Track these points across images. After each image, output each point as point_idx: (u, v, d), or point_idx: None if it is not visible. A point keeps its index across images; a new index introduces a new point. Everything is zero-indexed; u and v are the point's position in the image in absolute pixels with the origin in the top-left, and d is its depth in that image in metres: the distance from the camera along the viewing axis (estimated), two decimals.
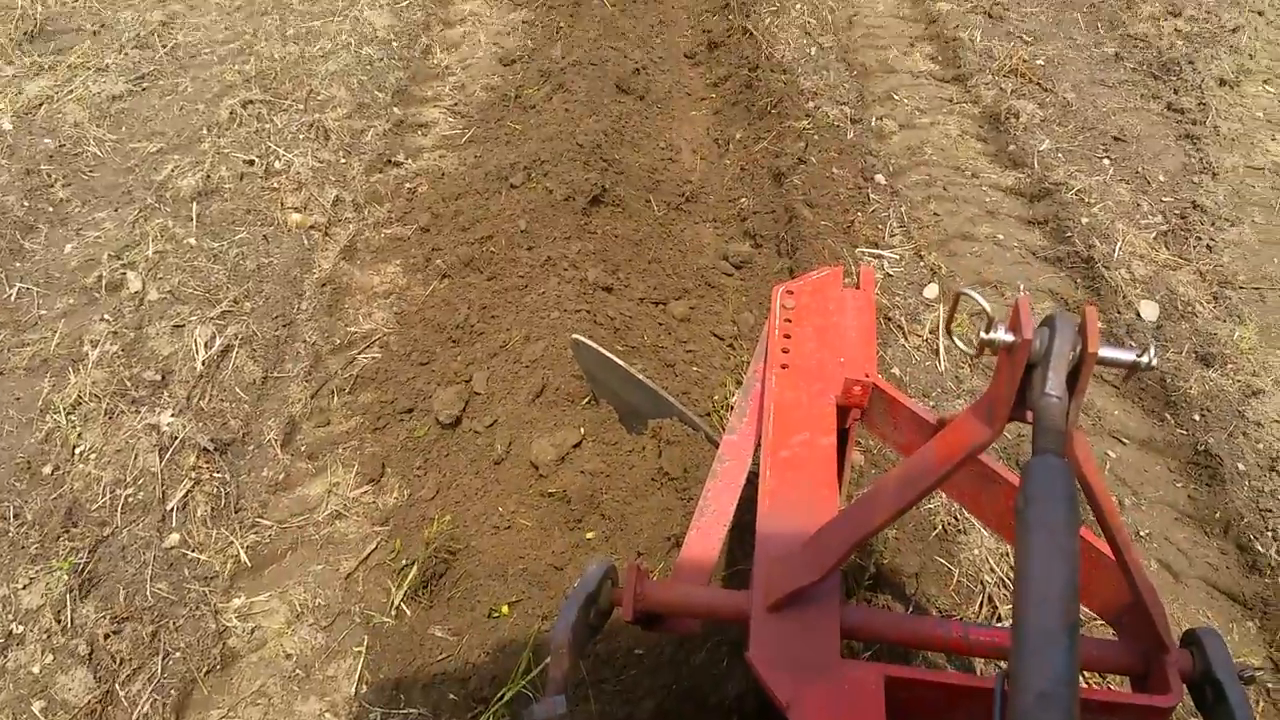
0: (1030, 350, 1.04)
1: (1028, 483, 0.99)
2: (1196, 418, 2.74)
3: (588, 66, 4.13)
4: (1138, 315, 3.10)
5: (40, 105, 3.99)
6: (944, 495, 2.35)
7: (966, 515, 2.44)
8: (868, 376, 1.72)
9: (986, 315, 1.09)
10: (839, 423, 1.72)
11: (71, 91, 4.08)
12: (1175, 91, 4.25)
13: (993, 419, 1.11)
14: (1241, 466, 2.59)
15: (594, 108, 3.81)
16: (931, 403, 2.85)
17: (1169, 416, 2.79)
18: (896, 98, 4.30)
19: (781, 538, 1.47)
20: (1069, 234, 3.44)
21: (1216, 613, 2.30)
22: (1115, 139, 3.98)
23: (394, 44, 4.56)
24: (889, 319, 3.11)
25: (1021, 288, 3.27)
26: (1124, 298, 3.15)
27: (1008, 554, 2.35)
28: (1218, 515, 2.51)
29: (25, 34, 4.48)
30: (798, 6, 4.85)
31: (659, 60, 4.56)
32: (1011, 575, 2.27)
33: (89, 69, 4.25)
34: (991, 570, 2.32)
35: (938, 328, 1.24)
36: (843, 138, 3.84)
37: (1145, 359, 1.06)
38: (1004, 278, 3.32)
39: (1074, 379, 1.05)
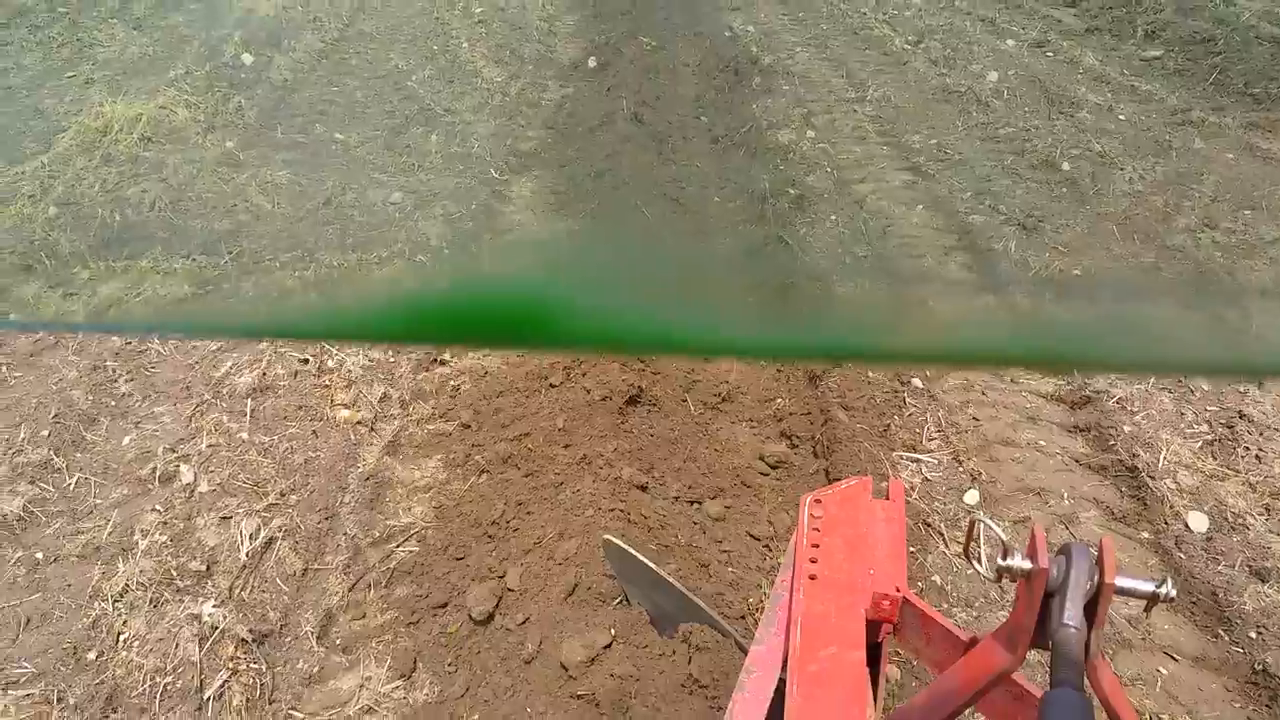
0: (1047, 579, 1.12)
1: (1044, 718, 1.03)
2: (1252, 635, 2.84)
3: None
4: (1186, 527, 3.26)
5: (110, 306, 4.55)
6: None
7: None
8: (898, 590, 1.79)
9: (1002, 543, 1.18)
10: (869, 637, 1.86)
11: (140, 294, 4.65)
12: (1216, 302, 4.59)
13: (1014, 646, 1.19)
14: None
15: None
16: (975, 612, 3.00)
17: (1223, 633, 2.89)
18: (931, 305, 4.70)
19: None
20: (1112, 442, 3.66)
21: None
22: None
23: (445, 252, 5.13)
24: (929, 525, 3.31)
25: (1065, 496, 3.46)
26: (1171, 508, 3.32)
27: None
28: None
29: (103, 240, 5.14)
30: (832, 217, 5.39)
31: (695, 268, 5.05)
32: None
33: (158, 273, 4.85)
34: None
35: (966, 543, 1.43)
36: None
37: (1164, 590, 1.11)
38: (1047, 485, 3.52)
39: (1093, 609, 1.11)
